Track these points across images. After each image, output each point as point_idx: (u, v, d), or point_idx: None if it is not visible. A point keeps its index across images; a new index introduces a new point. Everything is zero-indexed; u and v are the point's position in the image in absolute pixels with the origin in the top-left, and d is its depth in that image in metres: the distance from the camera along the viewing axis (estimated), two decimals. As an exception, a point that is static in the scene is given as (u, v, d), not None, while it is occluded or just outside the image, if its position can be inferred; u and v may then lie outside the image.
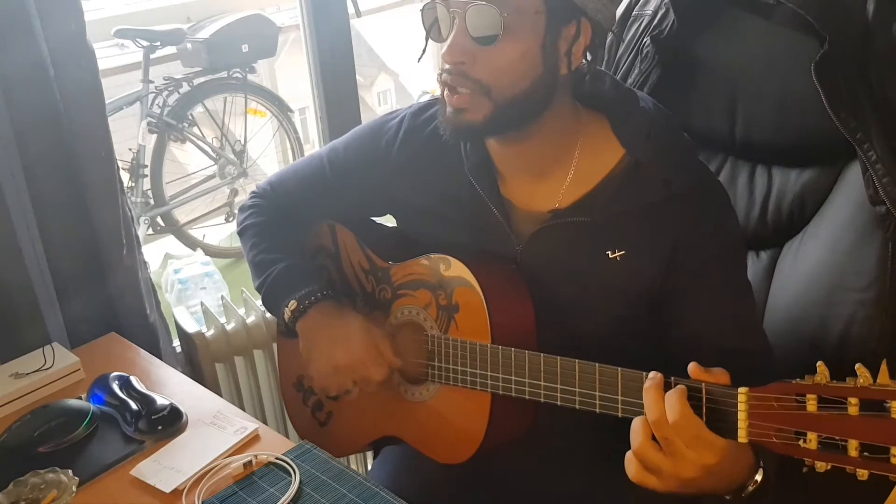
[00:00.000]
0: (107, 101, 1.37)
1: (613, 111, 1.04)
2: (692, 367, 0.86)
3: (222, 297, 1.74)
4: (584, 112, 1.05)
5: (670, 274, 1.01)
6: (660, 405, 0.85)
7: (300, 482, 1.01)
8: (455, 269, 1.06)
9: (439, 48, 0.97)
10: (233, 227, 3.48)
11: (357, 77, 1.88)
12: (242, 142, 3.62)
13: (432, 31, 0.99)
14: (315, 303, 1.13)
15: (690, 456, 0.84)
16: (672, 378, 0.87)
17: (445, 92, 0.98)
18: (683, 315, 1.02)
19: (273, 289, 1.18)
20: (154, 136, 3.34)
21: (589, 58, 0.99)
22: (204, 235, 3.70)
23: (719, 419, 0.84)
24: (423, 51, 1.06)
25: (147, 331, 1.50)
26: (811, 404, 0.78)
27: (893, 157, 1.02)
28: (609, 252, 1.01)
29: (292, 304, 1.13)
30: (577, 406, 0.95)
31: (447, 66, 0.96)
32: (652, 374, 0.88)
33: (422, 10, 0.98)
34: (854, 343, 1.08)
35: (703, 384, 0.85)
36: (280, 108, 3.60)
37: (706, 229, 1.00)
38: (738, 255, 1.06)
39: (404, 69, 6.89)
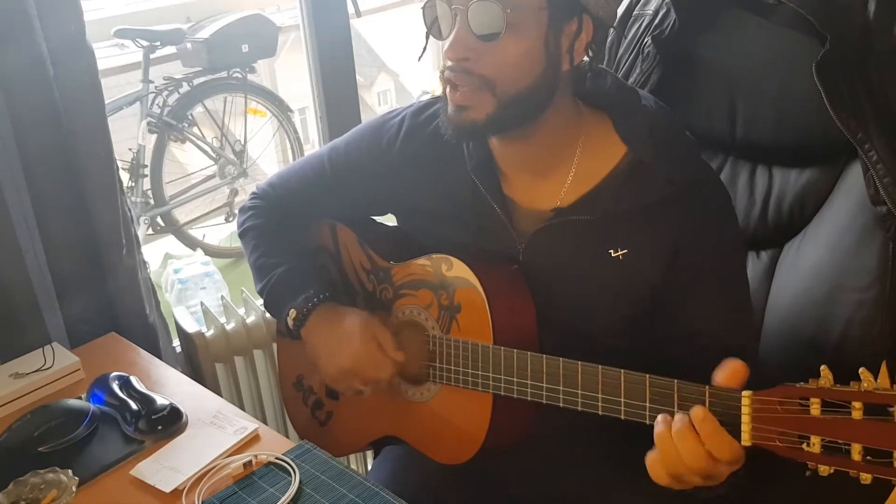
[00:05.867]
0: (107, 101, 1.36)
1: (615, 109, 1.04)
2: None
3: (222, 297, 1.74)
4: (586, 110, 1.04)
5: (671, 271, 1.01)
6: (698, 447, 0.83)
7: (300, 482, 1.01)
8: (457, 270, 1.05)
9: (440, 47, 0.97)
10: (233, 226, 3.48)
11: (357, 77, 1.88)
12: (242, 142, 3.62)
13: (433, 28, 0.98)
14: (313, 308, 1.13)
15: (725, 471, 0.85)
16: (676, 382, 0.87)
17: (448, 89, 0.98)
18: (681, 312, 1.02)
19: (274, 294, 1.18)
20: (154, 136, 3.34)
21: (591, 54, 0.99)
22: (204, 235, 3.70)
23: (723, 423, 0.83)
24: (424, 49, 1.06)
25: (147, 331, 1.50)
26: (815, 408, 0.77)
27: (894, 157, 1.01)
28: (611, 251, 1.01)
29: (292, 312, 1.14)
30: (580, 409, 0.95)
31: (450, 63, 0.96)
32: (661, 419, 0.86)
33: (423, 8, 0.98)
34: (854, 343, 1.08)
35: (707, 388, 0.85)
36: (280, 108, 3.60)
37: (708, 227, 1.00)
38: (737, 252, 1.06)
39: (404, 69, 6.90)
